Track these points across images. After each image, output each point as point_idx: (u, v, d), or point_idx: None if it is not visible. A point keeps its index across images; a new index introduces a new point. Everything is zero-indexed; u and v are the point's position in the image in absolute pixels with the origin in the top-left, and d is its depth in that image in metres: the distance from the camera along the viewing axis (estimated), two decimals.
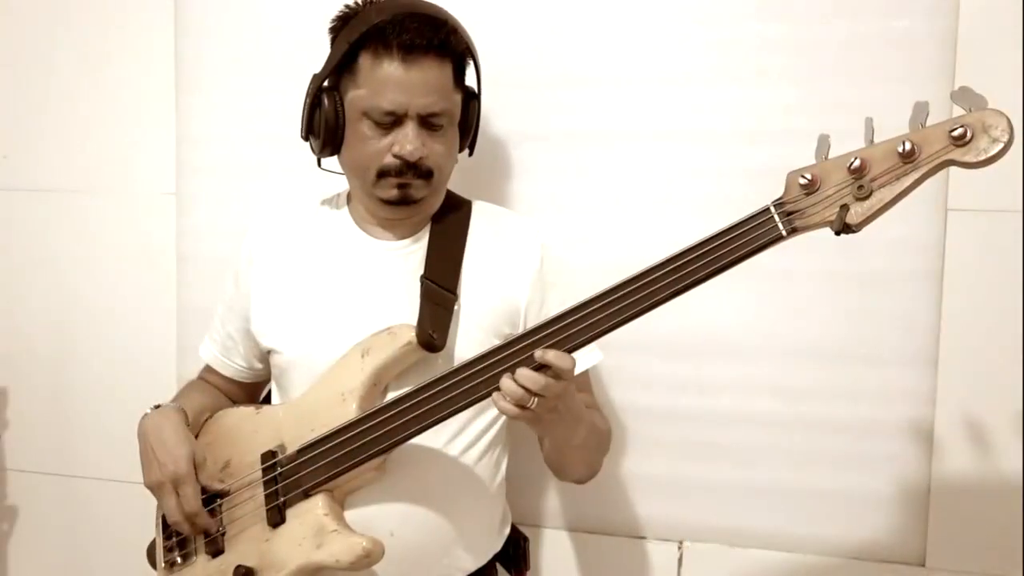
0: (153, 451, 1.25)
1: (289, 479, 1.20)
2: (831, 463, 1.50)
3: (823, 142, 1.02)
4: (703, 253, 1.04)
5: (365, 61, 1.22)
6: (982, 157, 0.94)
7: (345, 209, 1.36)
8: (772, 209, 1.02)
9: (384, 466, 1.21)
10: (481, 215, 1.36)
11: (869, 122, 0.99)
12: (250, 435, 1.28)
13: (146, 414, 1.30)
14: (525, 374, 1.07)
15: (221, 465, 1.28)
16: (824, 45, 1.45)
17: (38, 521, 1.93)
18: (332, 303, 1.29)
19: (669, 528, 1.59)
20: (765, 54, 1.48)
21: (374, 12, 1.22)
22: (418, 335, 1.20)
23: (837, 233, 0.99)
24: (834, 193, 1.00)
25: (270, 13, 1.69)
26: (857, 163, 0.98)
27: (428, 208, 1.32)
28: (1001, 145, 0.93)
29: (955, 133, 0.95)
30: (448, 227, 1.33)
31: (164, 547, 1.31)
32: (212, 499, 1.25)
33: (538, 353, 1.07)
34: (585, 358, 1.27)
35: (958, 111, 0.97)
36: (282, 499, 1.20)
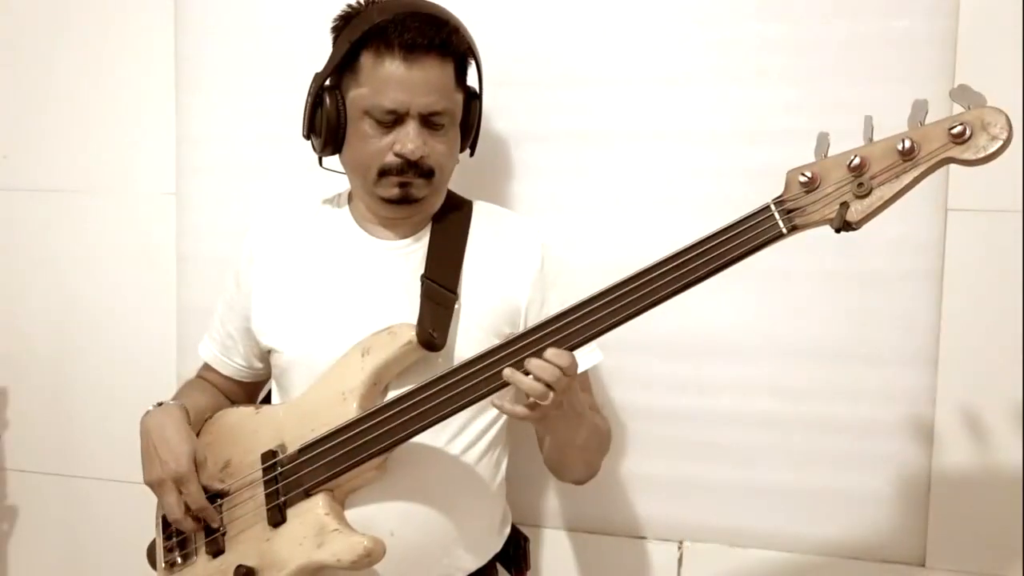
0: (155, 448, 1.24)
1: (290, 478, 1.20)
2: (831, 463, 1.50)
3: (822, 140, 1.02)
4: (704, 251, 1.04)
5: (367, 60, 1.22)
6: (981, 154, 0.95)
7: (346, 208, 1.36)
8: (772, 207, 1.03)
9: (385, 465, 1.21)
10: (482, 215, 1.36)
11: (868, 120, 1.00)
12: (250, 435, 1.28)
13: (148, 411, 1.30)
14: (538, 364, 1.07)
15: (221, 465, 1.28)
16: (824, 45, 1.45)
17: (38, 521, 1.93)
18: (332, 302, 1.29)
19: (669, 528, 1.58)
20: (765, 54, 1.48)
21: (376, 11, 1.23)
22: (419, 334, 1.20)
23: (837, 231, 1.00)
24: (834, 191, 1.00)
25: (270, 13, 1.69)
26: (857, 161, 0.98)
27: (429, 207, 1.32)
28: (1000, 143, 0.94)
29: (954, 131, 0.95)
30: (449, 227, 1.33)
31: (164, 547, 1.30)
32: (212, 499, 1.25)
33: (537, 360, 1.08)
34: (585, 358, 1.27)
35: (957, 110, 0.97)
36: (283, 498, 1.20)
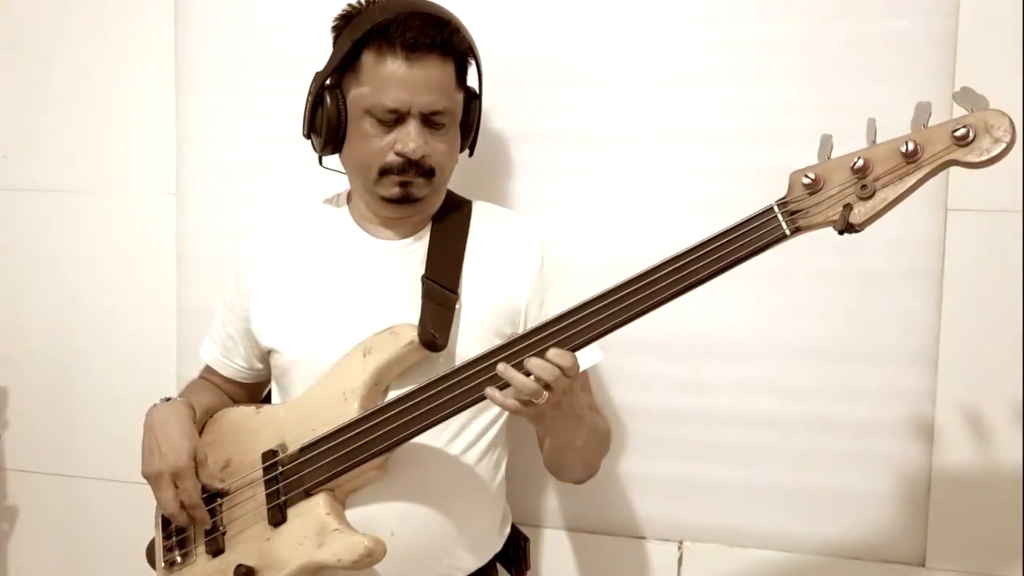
0: (157, 441, 1.25)
1: (290, 478, 1.20)
2: (831, 462, 1.50)
3: (826, 142, 1.02)
4: (706, 252, 1.04)
5: (368, 59, 1.22)
6: (984, 157, 0.95)
7: (346, 208, 1.36)
8: (776, 208, 1.03)
9: (386, 465, 1.21)
10: (482, 215, 1.36)
11: (872, 122, 1.00)
12: (251, 434, 1.28)
13: (155, 404, 1.30)
14: (538, 364, 1.07)
15: (222, 464, 1.28)
16: (824, 45, 1.45)
17: (38, 521, 1.93)
18: (333, 302, 1.29)
19: (669, 528, 1.59)
20: (765, 54, 1.48)
21: (377, 11, 1.23)
22: (420, 334, 1.20)
23: (840, 232, 1.00)
24: (837, 193, 1.00)
25: (270, 13, 1.69)
26: (860, 163, 0.98)
27: (429, 207, 1.32)
28: (1003, 145, 0.94)
29: (958, 133, 0.95)
30: (449, 227, 1.33)
31: (164, 547, 1.30)
32: (213, 498, 1.25)
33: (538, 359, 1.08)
34: (585, 357, 1.26)
35: (959, 111, 0.97)
36: (283, 498, 1.20)
